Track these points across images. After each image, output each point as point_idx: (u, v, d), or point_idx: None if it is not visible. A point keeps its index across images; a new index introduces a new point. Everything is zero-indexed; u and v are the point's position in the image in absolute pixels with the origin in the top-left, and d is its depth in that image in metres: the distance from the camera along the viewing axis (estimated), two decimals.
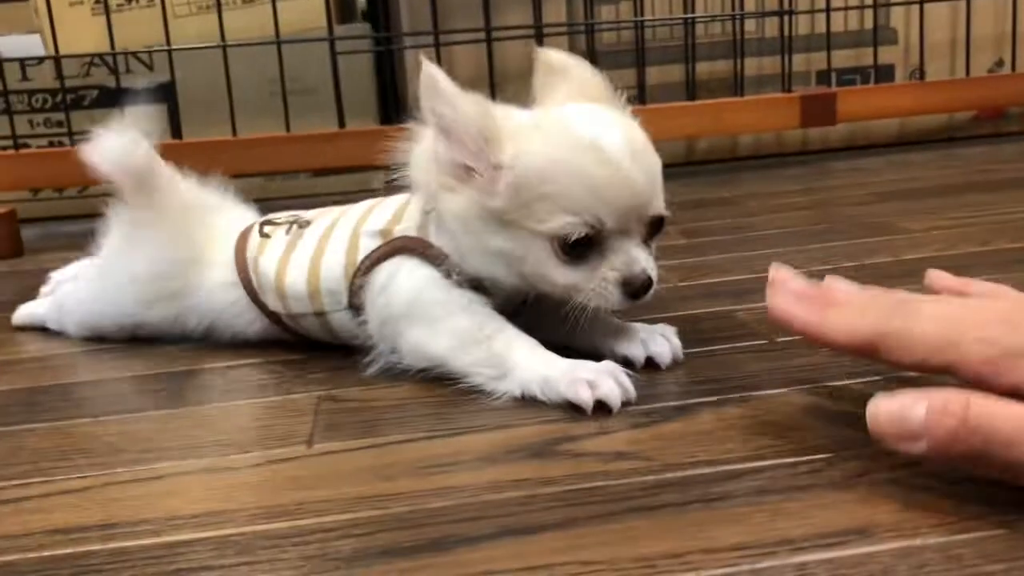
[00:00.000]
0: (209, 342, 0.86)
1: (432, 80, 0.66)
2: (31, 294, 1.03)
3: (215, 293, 0.85)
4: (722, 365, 0.72)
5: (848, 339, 0.54)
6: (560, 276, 0.68)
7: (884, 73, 1.90)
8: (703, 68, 1.85)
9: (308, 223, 0.83)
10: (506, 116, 0.69)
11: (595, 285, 0.67)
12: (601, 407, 0.64)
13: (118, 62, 1.79)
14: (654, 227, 0.70)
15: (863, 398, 0.62)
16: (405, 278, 0.73)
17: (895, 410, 0.48)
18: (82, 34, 1.81)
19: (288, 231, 0.83)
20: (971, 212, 1.23)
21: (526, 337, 0.70)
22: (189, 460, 0.62)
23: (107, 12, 1.66)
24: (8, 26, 1.78)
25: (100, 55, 1.78)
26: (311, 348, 0.82)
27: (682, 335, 0.74)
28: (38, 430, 0.70)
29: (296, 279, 0.79)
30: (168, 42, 1.66)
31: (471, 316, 0.70)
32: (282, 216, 0.87)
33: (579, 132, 0.67)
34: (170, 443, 0.65)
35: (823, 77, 1.88)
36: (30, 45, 1.84)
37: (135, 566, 0.49)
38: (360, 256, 0.75)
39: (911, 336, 0.51)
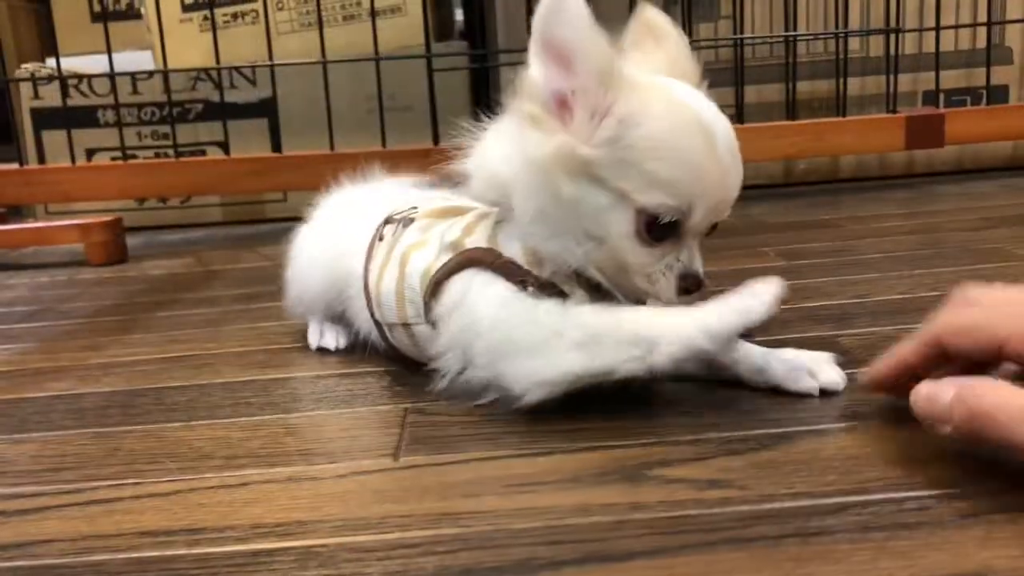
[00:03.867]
0: (297, 352, 0.87)
1: (560, 3, 0.61)
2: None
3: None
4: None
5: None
6: (632, 252, 0.65)
7: (997, 94, 1.82)
8: (804, 88, 1.81)
9: (411, 221, 0.79)
10: (628, 67, 0.66)
11: (660, 270, 0.66)
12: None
13: (223, 77, 1.84)
14: (711, 229, 0.68)
15: None
16: (477, 297, 0.68)
17: (931, 394, 0.52)
18: (189, 50, 1.87)
19: (395, 231, 0.79)
20: None
21: (632, 307, 0.66)
22: (276, 468, 0.62)
23: (214, 29, 1.72)
24: (124, 43, 1.86)
25: (206, 70, 1.84)
26: (398, 361, 0.82)
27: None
28: (133, 432, 0.71)
29: (388, 285, 0.76)
30: (271, 58, 1.70)
31: (573, 316, 0.65)
32: (402, 210, 0.82)
33: (697, 116, 0.64)
34: (257, 450, 0.66)
35: (930, 97, 1.81)
36: (141, 61, 1.92)
37: (218, 573, 0.48)
38: (435, 269, 0.72)
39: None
